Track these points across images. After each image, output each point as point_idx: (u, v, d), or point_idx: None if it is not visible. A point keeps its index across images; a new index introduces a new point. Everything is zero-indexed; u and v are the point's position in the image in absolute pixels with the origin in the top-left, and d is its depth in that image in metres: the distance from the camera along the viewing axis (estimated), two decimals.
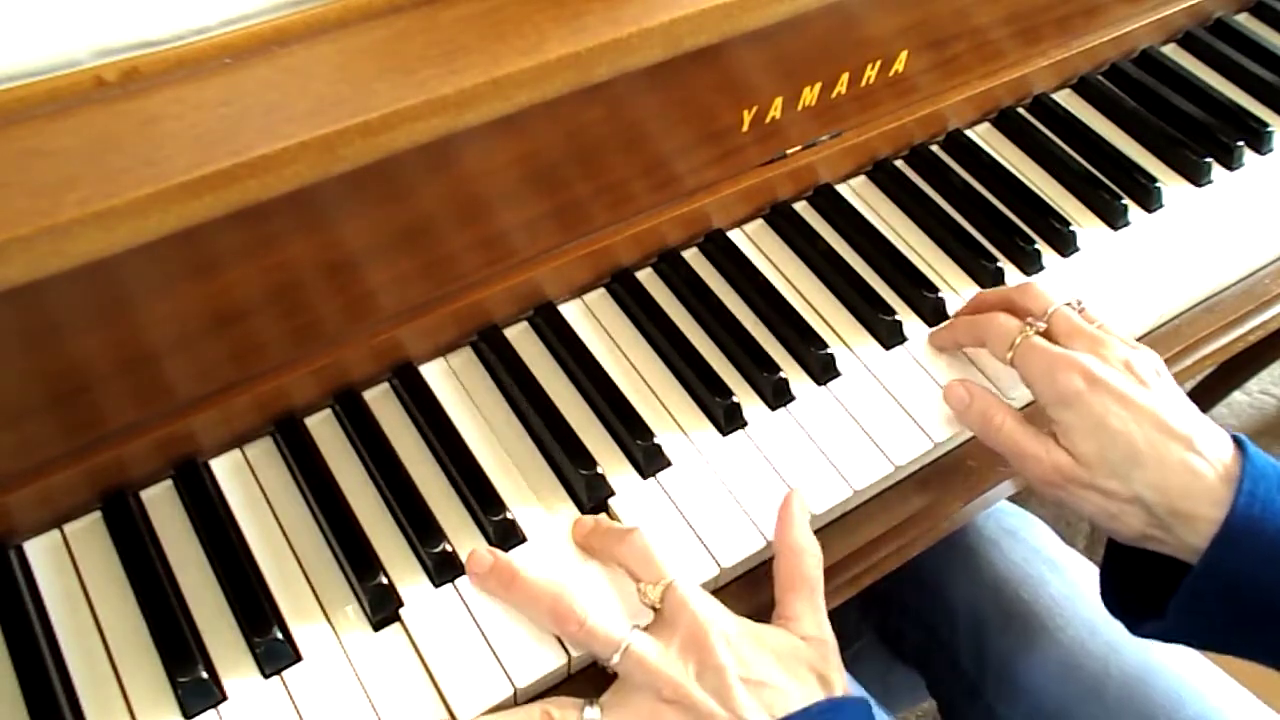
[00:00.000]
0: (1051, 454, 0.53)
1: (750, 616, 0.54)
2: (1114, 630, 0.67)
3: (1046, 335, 0.55)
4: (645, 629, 0.48)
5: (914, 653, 0.79)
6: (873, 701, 0.65)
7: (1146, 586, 0.52)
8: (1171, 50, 0.85)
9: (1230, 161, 0.76)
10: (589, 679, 0.51)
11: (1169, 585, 0.50)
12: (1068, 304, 0.56)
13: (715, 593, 0.54)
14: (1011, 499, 0.76)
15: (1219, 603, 0.48)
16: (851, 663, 0.68)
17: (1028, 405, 0.63)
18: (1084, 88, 0.81)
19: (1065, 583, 0.71)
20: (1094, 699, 0.65)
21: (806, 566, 0.51)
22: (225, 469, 0.55)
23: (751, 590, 0.55)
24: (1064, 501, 0.54)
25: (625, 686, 0.47)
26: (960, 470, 0.60)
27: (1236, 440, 0.50)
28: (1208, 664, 0.66)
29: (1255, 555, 0.47)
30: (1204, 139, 0.77)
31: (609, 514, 0.55)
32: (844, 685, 0.48)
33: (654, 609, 0.49)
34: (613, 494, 0.55)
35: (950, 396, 0.58)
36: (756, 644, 0.47)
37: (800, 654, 0.48)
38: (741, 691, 0.45)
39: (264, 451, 0.56)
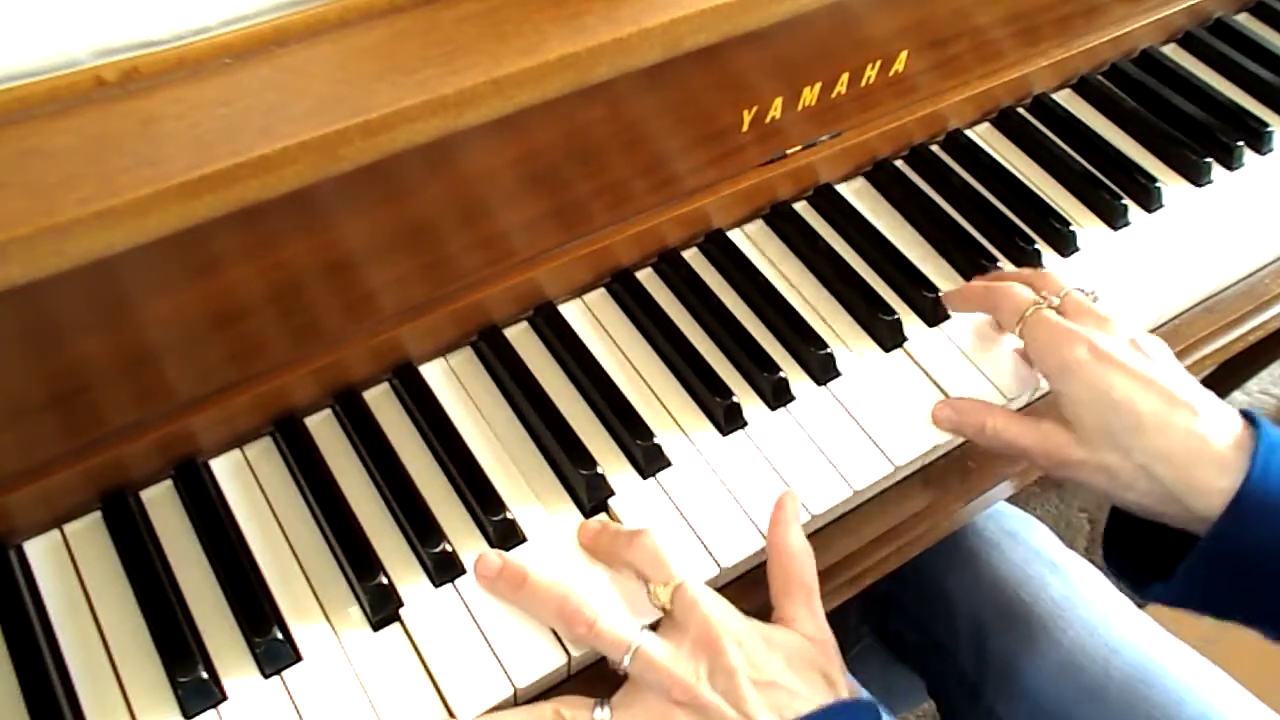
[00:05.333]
0: (1050, 438, 0.53)
1: (751, 616, 0.54)
2: (1114, 632, 0.67)
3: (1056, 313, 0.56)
4: (655, 630, 0.48)
5: (914, 654, 0.79)
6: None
7: (1152, 551, 0.52)
8: (1171, 50, 0.85)
9: (1230, 161, 0.76)
10: (589, 679, 0.51)
11: (1176, 549, 0.49)
12: (1079, 289, 0.57)
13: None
14: (1011, 500, 0.76)
15: (1229, 570, 0.48)
16: (852, 665, 0.68)
17: (1030, 404, 0.64)
18: (1084, 88, 0.81)
19: (1065, 584, 0.71)
20: (1094, 700, 0.65)
21: (802, 569, 0.51)
22: (225, 469, 0.55)
23: (751, 590, 0.54)
24: (1076, 480, 0.54)
25: (636, 687, 0.47)
26: (960, 470, 0.60)
27: (1247, 414, 0.51)
28: (1208, 664, 0.66)
29: (1267, 525, 0.47)
30: (1204, 139, 0.77)
31: (609, 514, 0.55)
32: (848, 685, 0.48)
33: (664, 610, 0.49)
34: (613, 494, 0.55)
35: (938, 420, 0.59)
36: (766, 645, 0.47)
37: (807, 655, 0.48)
38: (752, 693, 0.45)
39: (264, 451, 0.56)
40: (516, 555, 0.53)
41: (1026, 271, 0.61)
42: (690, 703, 0.45)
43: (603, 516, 0.55)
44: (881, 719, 0.46)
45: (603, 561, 0.53)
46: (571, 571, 0.52)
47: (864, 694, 0.47)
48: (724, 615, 0.48)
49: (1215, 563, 0.48)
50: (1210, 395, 0.51)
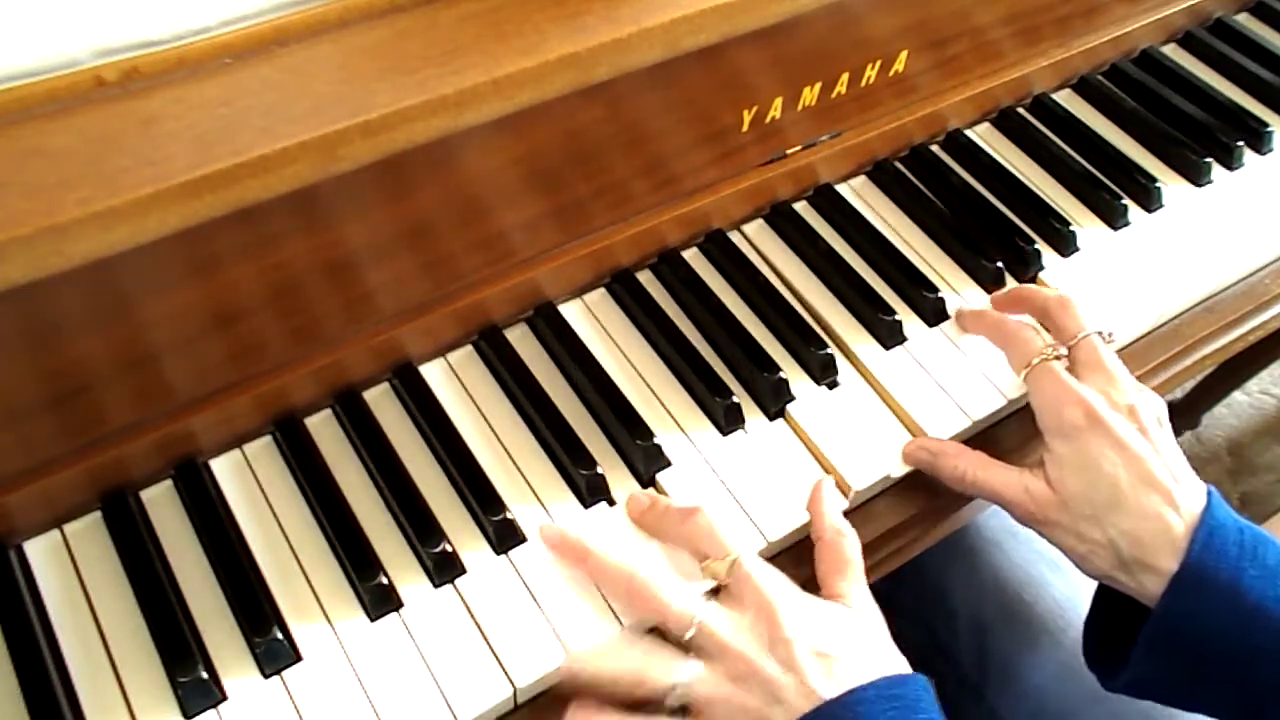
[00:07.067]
0: (1033, 495, 0.54)
1: None
2: None
3: (1066, 359, 0.56)
4: (714, 602, 0.49)
5: (916, 654, 0.79)
6: None
7: (1120, 643, 0.53)
8: (1171, 50, 0.85)
9: (1230, 161, 0.76)
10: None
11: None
12: (1099, 333, 0.57)
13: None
14: None
15: (1177, 651, 0.50)
16: None
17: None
18: (1084, 88, 0.81)
19: (1067, 584, 0.71)
20: (1096, 701, 0.65)
21: (846, 548, 0.52)
22: (225, 469, 0.55)
23: None
24: (1040, 533, 0.55)
25: (701, 656, 0.48)
26: None
27: (1209, 493, 0.51)
28: None
29: (1208, 604, 0.48)
30: (1204, 139, 0.77)
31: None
32: (899, 658, 0.49)
33: (720, 584, 0.50)
34: (613, 500, 0.56)
35: (913, 460, 0.58)
36: (822, 618, 0.48)
37: (860, 629, 0.49)
38: (812, 662, 0.46)
39: (264, 451, 0.56)
40: (518, 552, 0.53)
41: (1048, 299, 0.59)
42: (751, 674, 0.46)
43: (651, 491, 0.56)
44: (932, 692, 0.47)
45: (655, 538, 0.54)
46: (571, 569, 0.53)
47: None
48: (781, 588, 0.49)
49: (1163, 642, 0.50)
50: (1186, 472, 0.52)
